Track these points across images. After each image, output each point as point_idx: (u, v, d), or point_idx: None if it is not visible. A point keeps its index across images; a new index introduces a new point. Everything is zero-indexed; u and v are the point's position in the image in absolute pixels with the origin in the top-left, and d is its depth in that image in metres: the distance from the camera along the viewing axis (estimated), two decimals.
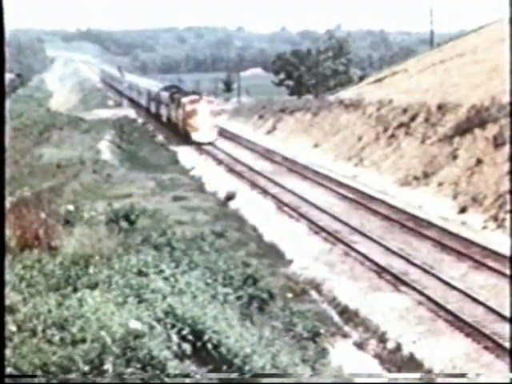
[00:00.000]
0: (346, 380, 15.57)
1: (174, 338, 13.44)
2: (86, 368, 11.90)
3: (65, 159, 48.02)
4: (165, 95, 75.19)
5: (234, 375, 13.10)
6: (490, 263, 27.52)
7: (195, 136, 64.07)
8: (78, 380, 11.73)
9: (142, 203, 31.26)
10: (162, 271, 17.67)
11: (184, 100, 66.10)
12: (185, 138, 65.10)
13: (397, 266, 28.09)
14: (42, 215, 19.76)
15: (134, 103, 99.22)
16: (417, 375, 18.39)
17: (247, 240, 31.45)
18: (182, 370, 12.80)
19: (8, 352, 11.97)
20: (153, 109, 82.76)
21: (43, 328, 12.98)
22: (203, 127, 64.21)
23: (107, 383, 11.77)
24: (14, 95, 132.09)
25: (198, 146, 63.22)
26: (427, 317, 23.37)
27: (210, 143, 63.37)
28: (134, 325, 12.87)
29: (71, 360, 12.04)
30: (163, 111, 75.94)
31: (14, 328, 12.86)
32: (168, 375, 12.17)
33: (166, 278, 17.18)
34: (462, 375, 17.75)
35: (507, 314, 21.39)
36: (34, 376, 11.68)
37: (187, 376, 12.58)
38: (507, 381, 13.34)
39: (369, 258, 29.08)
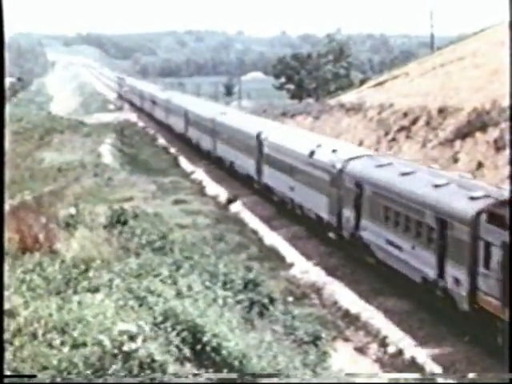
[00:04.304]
0: (345, 380, 15.55)
1: (175, 341, 13.42)
2: (88, 371, 11.89)
3: (66, 163, 48.11)
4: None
5: (232, 375, 13.10)
6: None
7: None
8: (78, 381, 11.71)
9: (143, 206, 31.25)
10: (162, 274, 17.65)
11: None
12: None
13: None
14: (43, 219, 19.75)
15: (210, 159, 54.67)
16: (415, 375, 18.38)
17: (248, 243, 31.48)
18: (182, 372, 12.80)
19: (8, 356, 11.95)
20: (324, 214, 32.31)
21: (44, 332, 12.96)
22: None
23: (108, 383, 11.77)
24: (15, 99, 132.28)
25: None
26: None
27: None
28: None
29: (72, 364, 12.02)
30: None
31: (14, 331, 12.84)
32: (167, 375, 12.16)
33: (166, 282, 17.16)
34: (462, 376, 17.72)
35: None
36: (34, 376, 11.66)
37: (186, 376, 12.58)
38: (507, 381, 13.33)
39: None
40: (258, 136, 41.50)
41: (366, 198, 27.75)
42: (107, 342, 12.22)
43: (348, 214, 29.19)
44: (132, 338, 12.44)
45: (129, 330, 12.68)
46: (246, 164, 44.28)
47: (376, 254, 27.16)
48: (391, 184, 26.01)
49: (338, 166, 30.04)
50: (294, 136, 39.36)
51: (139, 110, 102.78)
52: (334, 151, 31.49)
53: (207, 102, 76.49)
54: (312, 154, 33.08)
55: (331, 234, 31.22)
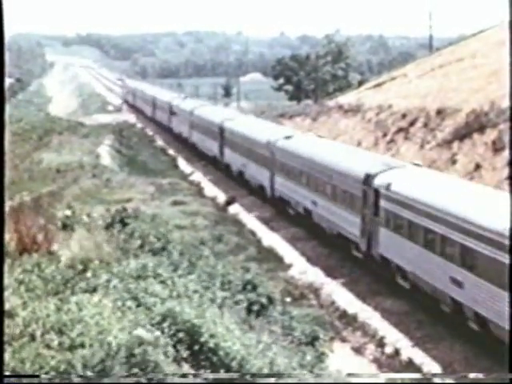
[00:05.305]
0: (343, 380, 15.59)
1: (172, 341, 13.46)
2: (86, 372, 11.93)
3: (64, 164, 48.07)
4: None
5: (230, 376, 13.14)
6: None
7: None
8: (77, 381, 11.75)
9: (142, 208, 31.28)
10: (160, 275, 17.69)
11: None
12: None
13: None
14: (41, 220, 19.77)
15: None
16: (414, 375, 18.39)
17: (246, 244, 31.51)
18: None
19: (7, 356, 11.98)
20: None
21: (42, 332, 12.99)
22: None
23: (106, 383, 11.80)
24: (14, 100, 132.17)
25: None
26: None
27: None
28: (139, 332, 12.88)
29: (70, 364, 12.05)
30: None
31: (13, 332, 12.87)
32: (165, 375, 12.20)
33: (164, 282, 17.20)
34: (462, 376, 17.72)
35: None
36: (34, 376, 11.70)
37: (184, 376, 12.61)
38: (507, 381, 13.36)
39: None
40: (368, 180, 27.28)
41: None
42: (113, 345, 12.25)
43: None
44: (141, 344, 12.44)
45: (143, 336, 12.69)
46: (338, 219, 30.35)
47: None
48: None
49: None
50: (454, 190, 23.89)
51: (151, 120, 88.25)
52: None
53: (253, 118, 57.82)
54: None
55: None
